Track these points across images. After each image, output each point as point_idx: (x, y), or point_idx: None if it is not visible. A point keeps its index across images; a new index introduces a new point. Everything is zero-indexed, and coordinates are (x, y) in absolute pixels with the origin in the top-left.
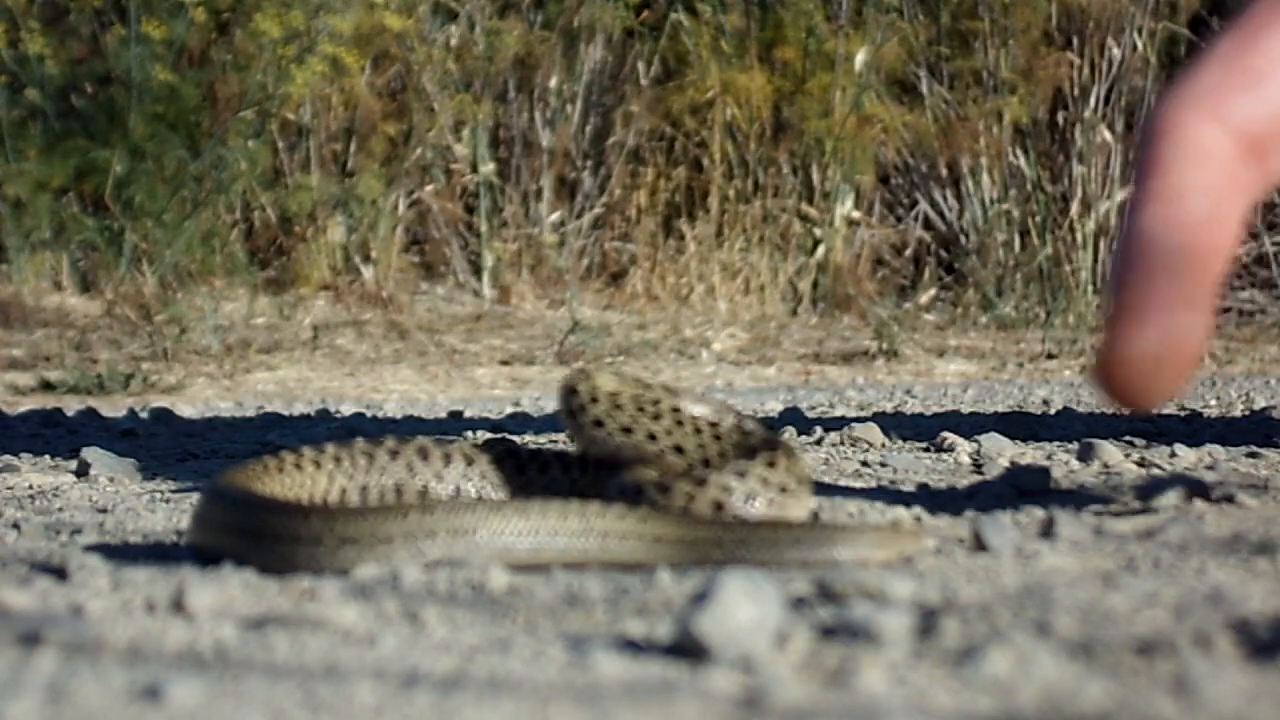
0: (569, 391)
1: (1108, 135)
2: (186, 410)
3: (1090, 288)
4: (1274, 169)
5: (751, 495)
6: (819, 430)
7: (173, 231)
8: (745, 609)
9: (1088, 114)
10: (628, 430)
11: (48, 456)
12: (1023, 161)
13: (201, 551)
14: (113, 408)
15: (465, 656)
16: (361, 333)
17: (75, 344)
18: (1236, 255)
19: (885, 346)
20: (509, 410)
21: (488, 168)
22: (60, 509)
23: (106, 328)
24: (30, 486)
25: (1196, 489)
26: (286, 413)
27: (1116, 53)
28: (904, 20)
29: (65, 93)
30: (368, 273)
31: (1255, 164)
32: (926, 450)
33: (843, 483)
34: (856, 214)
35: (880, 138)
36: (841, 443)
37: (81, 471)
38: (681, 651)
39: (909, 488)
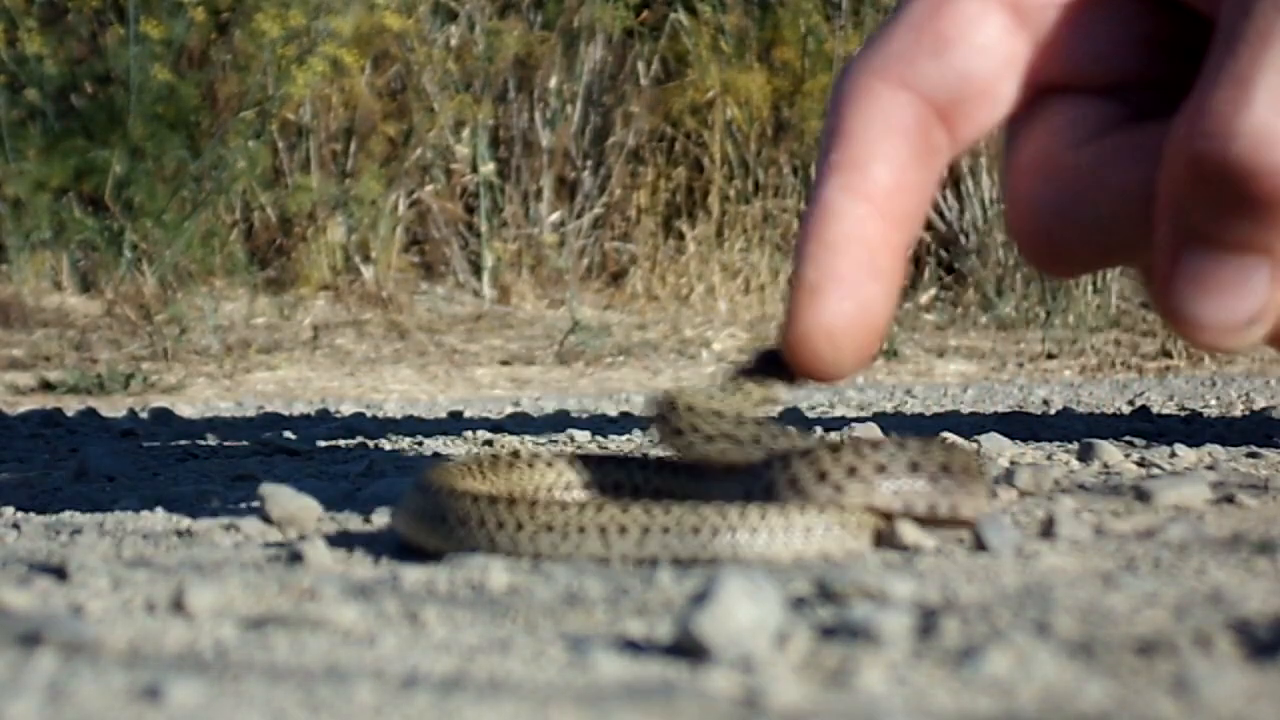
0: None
1: None
2: (186, 410)
3: (1090, 288)
4: (962, 135)
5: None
6: (819, 430)
7: (173, 231)
8: (745, 609)
9: None
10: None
11: (47, 456)
12: None
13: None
14: (113, 408)
15: (465, 656)
16: (361, 333)
17: (75, 344)
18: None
19: (885, 346)
20: (509, 410)
21: (488, 168)
22: (60, 509)
23: (106, 328)
24: (30, 486)
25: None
26: (286, 413)
27: None
28: None
29: (64, 92)
30: (368, 273)
31: (943, 131)
32: None
33: None
34: None
35: None
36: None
37: (81, 471)
38: (681, 651)
39: None
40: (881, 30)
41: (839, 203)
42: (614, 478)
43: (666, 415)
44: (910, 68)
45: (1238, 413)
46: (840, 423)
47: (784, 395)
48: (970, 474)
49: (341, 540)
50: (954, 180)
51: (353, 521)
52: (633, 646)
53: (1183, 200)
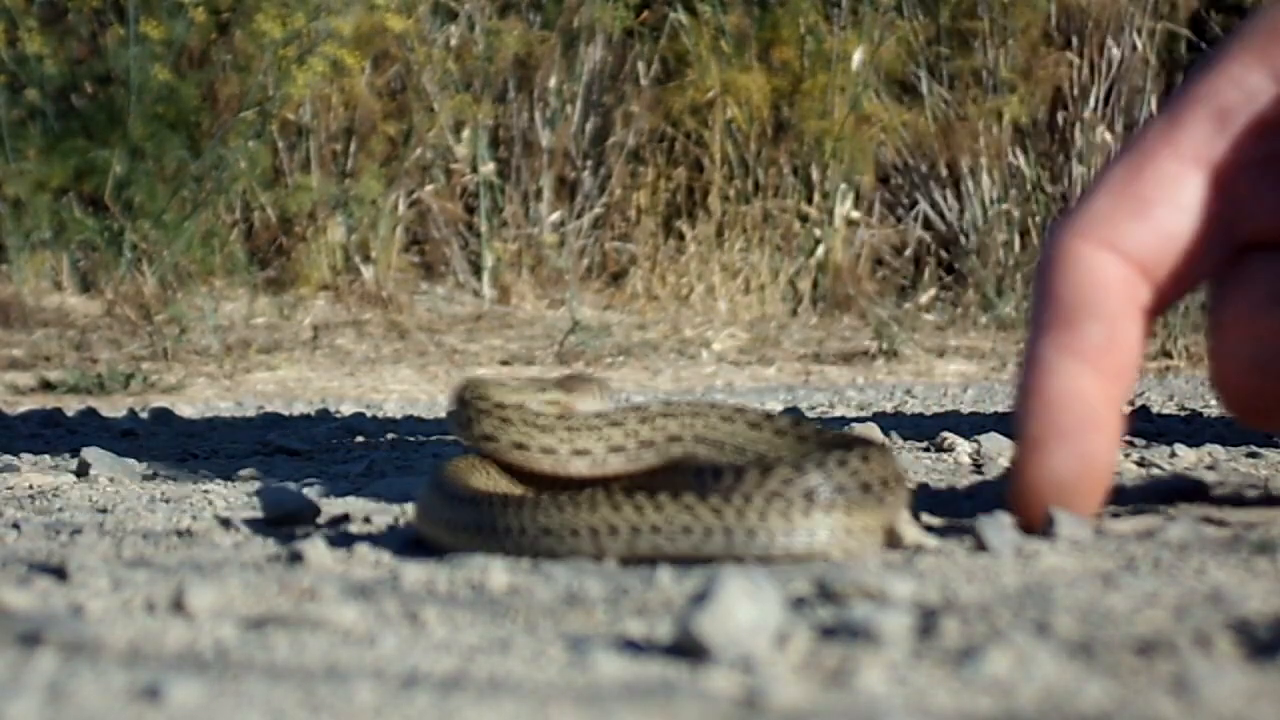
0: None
1: (1107, 135)
2: (186, 410)
3: None
4: (1166, 292)
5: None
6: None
7: (173, 231)
8: (745, 609)
9: (1087, 114)
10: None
11: (48, 456)
12: (1022, 161)
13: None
14: (113, 408)
15: (465, 656)
16: (361, 333)
17: (75, 344)
18: None
19: (885, 346)
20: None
21: (488, 168)
22: (60, 509)
23: (106, 328)
24: (30, 486)
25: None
26: (286, 413)
27: (1116, 52)
28: (903, 20)
29: (65, 93)
30: (368, 273)
31: (1147, 288)
32: (926, 450)
33: None
34: (856, 214)
35: (880, 137)
36: None
37: (81, 471)
38: (681, 651)
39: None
40: (1086, 194)
41: (1054, 361)
42: None
43: (462, 405)
44: (1114, 229)
45: None
46: (840, 422)
47: (581, 409)
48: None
49: (341, 540)
50: (954, 180)
51: (353, 522)
52: (633, 646)
53: None
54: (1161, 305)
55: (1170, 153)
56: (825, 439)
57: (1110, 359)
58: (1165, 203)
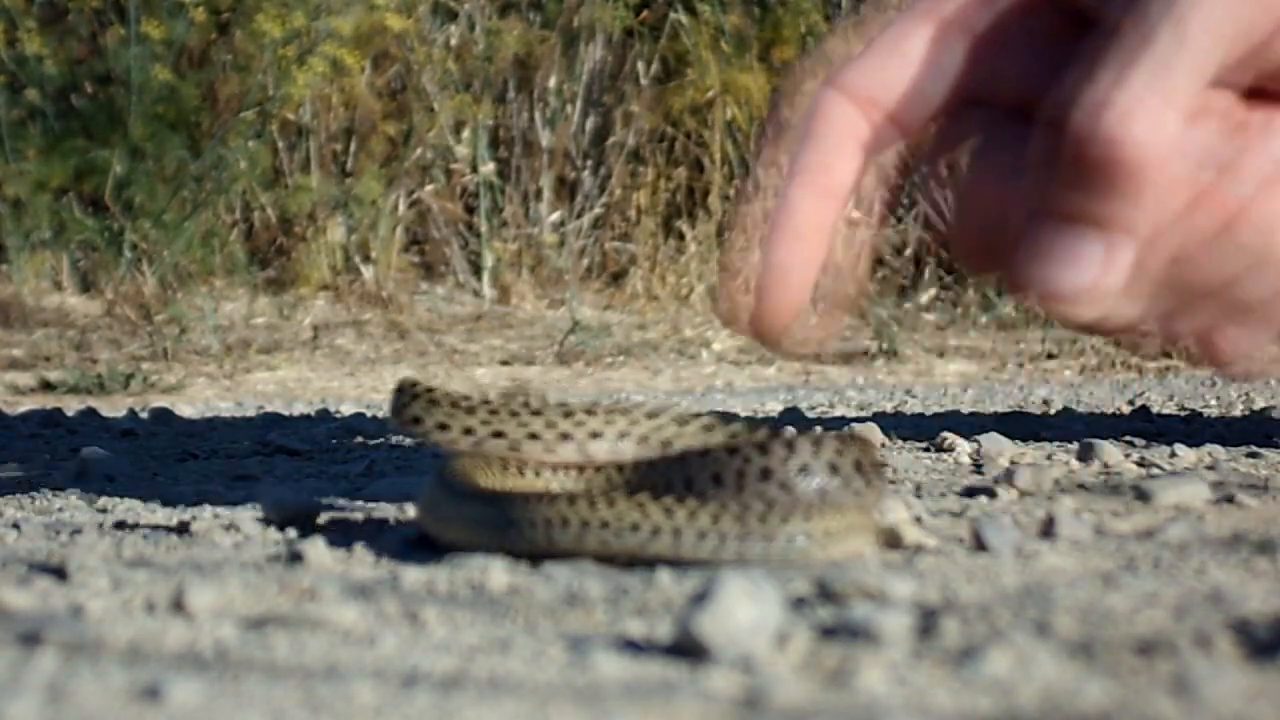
0: None
1: None
2: (186, 410)
3: None
4: (907, 132)
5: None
6: (819, 430)
7: (173, 231)
8: (745, 609)
9: None
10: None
11: (47, 456)
12: None
13: None
14: (113, 408)
15: (465, 656)
16: (361, 333)
17: (75, 344)
18: None
19: (885, 346)
20: None
21: (488, 168)
22: (60, 509)
23: (106, 328)
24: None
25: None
26: (286, 413)
27: None
28: None
29: (65, 93)
30: (368, 273)
31: (873, 128)
32: (926, 450)
33: None
34: (856, 214)
35: None
36: None
37: (81, 471)
38: (681, 651)
39: (909, 488)
40: (849, 55)
41: (802, 200)
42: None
43: (405, 402)
44: (859, 78)
45: (1238, 413)
46: (840, 422)
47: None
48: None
49: (341, 540)
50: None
51: (353, 522)
52: (633, 646)
53: (1041, 179)
54: (891, 143)
55: (922, 10)
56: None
57: (826, 182)
58: (903, 54)
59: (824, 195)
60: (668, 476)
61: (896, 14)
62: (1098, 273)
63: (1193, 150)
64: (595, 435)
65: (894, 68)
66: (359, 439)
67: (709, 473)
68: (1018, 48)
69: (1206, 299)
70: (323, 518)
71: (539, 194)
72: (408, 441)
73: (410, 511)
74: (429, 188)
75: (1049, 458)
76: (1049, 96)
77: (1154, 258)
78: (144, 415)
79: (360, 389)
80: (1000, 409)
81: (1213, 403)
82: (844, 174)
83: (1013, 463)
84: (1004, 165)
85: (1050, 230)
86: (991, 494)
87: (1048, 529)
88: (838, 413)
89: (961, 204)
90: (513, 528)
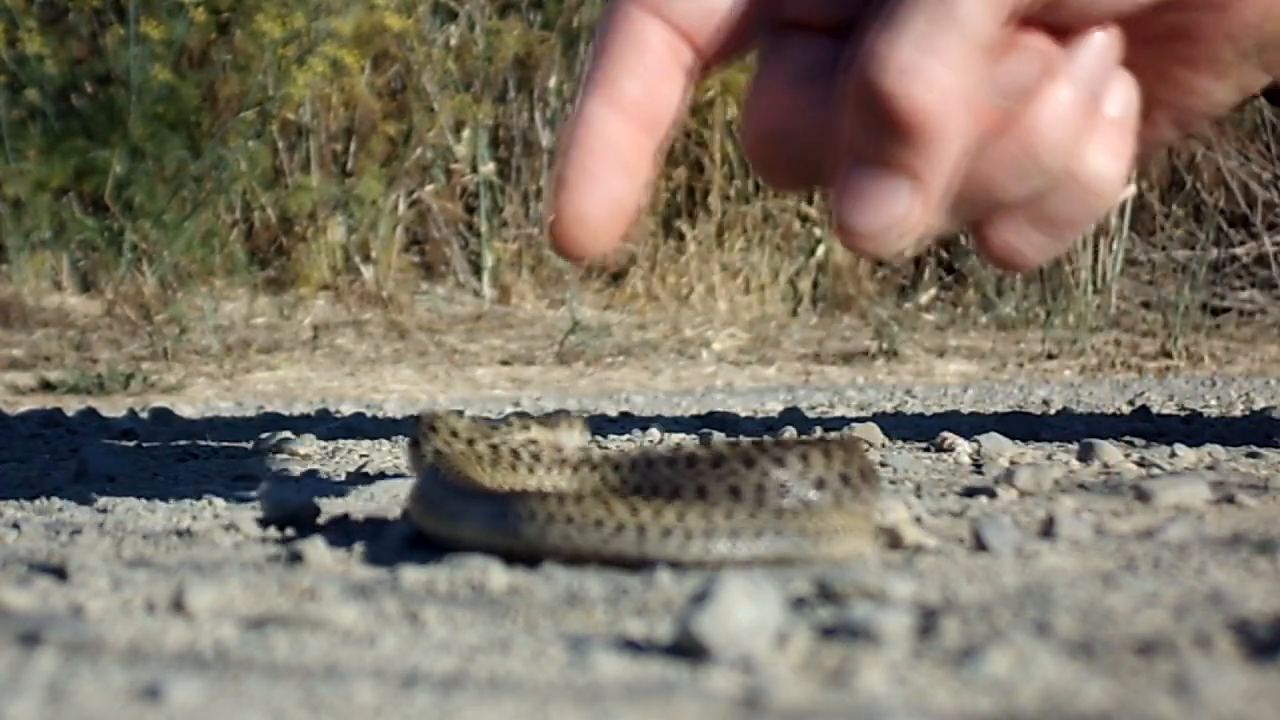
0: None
1: None
2: (186, 410)
3: (1090, 288)
4: (707, 56)
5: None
6: (819, 430)
7: (173, 231)
8: (745, 609)
9: None
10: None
11: (47, 456)
12: None
13: None
14: (113, 408)
15: (465, 656)
16: (361, 333)
17: (75, 344)
18: (1236, 255)
19: (885, 346)
20: (509, 410)
21: (488, 168)
22: (60, 509)
23: (106, 328)
24: (31, 486)
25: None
26: (286, 413)
27: None
28: None
29: (65, 93)
30: (368, 273)
31: (689, 51)
32: (926, 450)
33: None
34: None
35: None
36: None
37: (81, 471)
38: (681, 651)
39: (909, 488)
40: None
41: (596, 113)
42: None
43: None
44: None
45: (1238, 413)
46: (840, 422)
47: (566, 443)
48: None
49: (341, 540)
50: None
51: (353, 522)
52: (633, 646)
53: (849, 122)
54: (705, 68)
55: None
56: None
57: (644, 111)
58: None
59: (619, 110)
60: (654, 481)
61: None
62: (901, 212)
63: (991, 82)
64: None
65: None
66: (359, 439)
67: (695, 484)
68: None
69: (1011, 211)
70: (323, 518)
71: (539, 194)
72: (406, 441)
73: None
74: (429, 188)
75: (1049, 458)
76: (850, 44)
77: (955, 182)
78: (144, 415)
79: (360, 389)
80: (1000, 409)
81: (1213, 403)
82: (639, 90)
83: (1013, 463)
84: (788, 74)
85: (856, 172)
86: (991, 494)
87: (1048, 529)
88: (838, 413)
89: (749, 114)
90: (483, 521)
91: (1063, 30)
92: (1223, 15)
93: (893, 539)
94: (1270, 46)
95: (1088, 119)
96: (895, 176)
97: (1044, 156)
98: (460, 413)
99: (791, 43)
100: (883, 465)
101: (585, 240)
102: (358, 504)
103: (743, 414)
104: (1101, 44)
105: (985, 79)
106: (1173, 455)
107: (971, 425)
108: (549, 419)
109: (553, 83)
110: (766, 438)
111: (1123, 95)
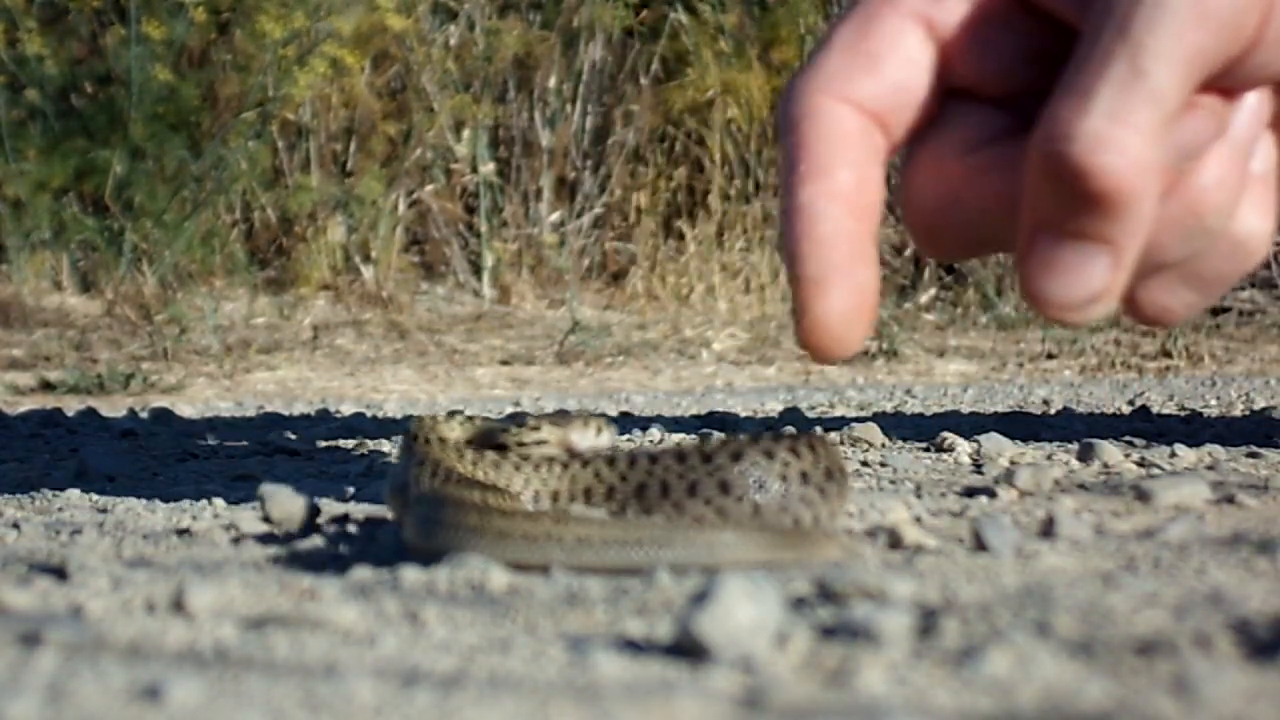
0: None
1: None
2: (186, 410)
3: None
4: (896, 136)
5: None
6: (819, 430)
7: (173, 231)
8: (745, 609)
9: None
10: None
11: (47, 456)
12: None
13: None
14: (113, 408)
15: (465, 656)
16: (361, 333)
17: (75, 344)
18: None
19: (885, 346)
20: (509, 410)
21: (488, 168)
22: (60, 509)
23: (106, 328)
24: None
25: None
26: (286, 413)
27: None
28: None
29: (65, 93)
30: (368, 273)
31: (881, 134)
32: (926, 450)
33: None
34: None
35: None
36: (841, 443)
37: (81, 471)
38: (681, 651)
39: (909, 488)
40: (817, 53)
41: (820, 206)
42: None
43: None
44: (848, 84)
45: (1238, 413)
46: (840, 422)
47: (578, 443)
48: None
49: (341, 540)
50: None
51: (353, 522)
52: (633, 646)
53: (1037, 194)
54: (895, 148)
55: (892, 11)
56: None
57: (862, 200)
58: (892, 57)
59: (840, 202)
60: (638, 482)
61: (859, 8)
62: (1102, 282)
63: (1168, 146)
64: None
65: (882, 65)
66: (359, 439)
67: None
68: (994, 46)
69: (1166, 271)
70: (323, 518)
71: (539, 194)
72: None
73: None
74: (429, 188)
75: (1049, 458)
76: (1032, 113)
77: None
78: (144, 415)
79: (360, 389)
80: (1000, 409)
81: (1213, 403)
82: (853, 179)
83: (1013, 463)
84: (957, 143)
85: (1051, 244)
86: (991, 494)
87: (1048, 529)
88: (838, 413)
89: (913, 184)
90: (427, 530)
91: (1225, 90)
92: None
93: (893, 539)
94: None
95: (1244, 178)
96: (1091, 247)
97: (1208, 217)
98: (460, 414)
99: (958, 113)
100: (883, 465)
101: (842, 337)
102: (358, 504)
103: (743, 414)
104: (1255, 103)
105: (1169, 141)
106: (1173, 455)
107: (971, 425)
108: (562, 418)
109: (552, 82)
110: (741, 435)
111: (1267, 152)
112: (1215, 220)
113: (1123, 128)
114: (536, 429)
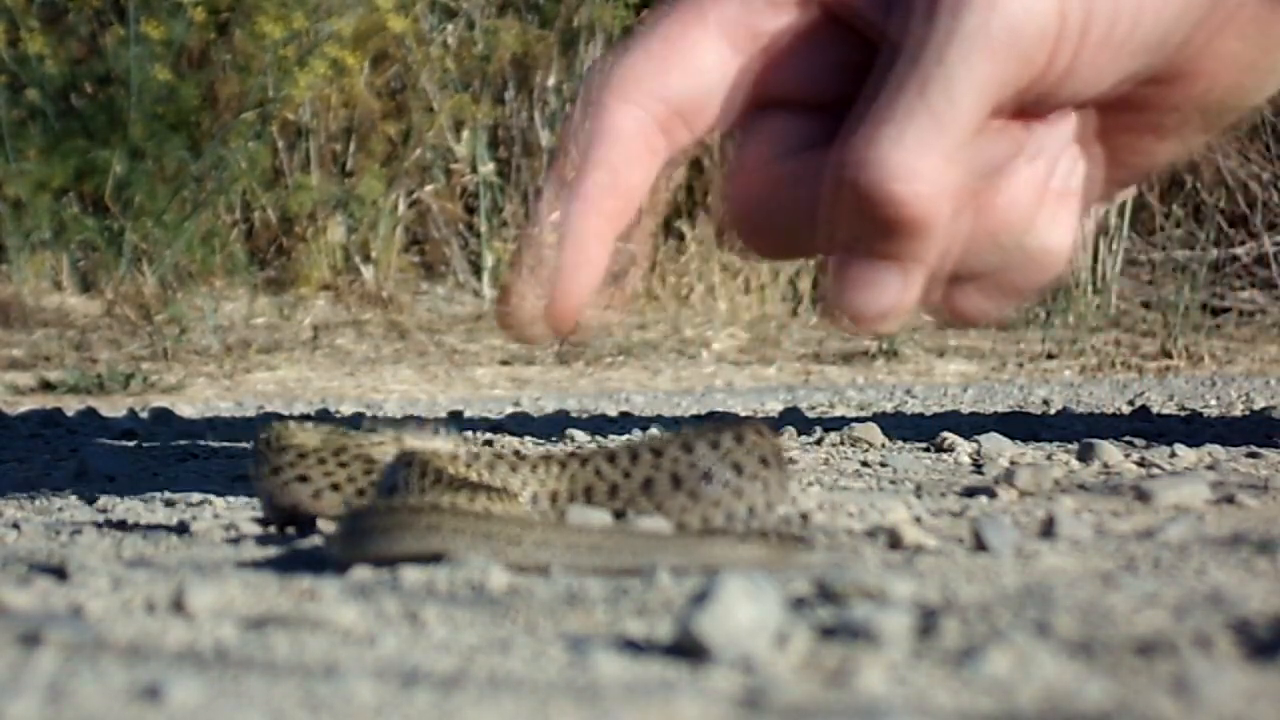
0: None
1: None
2: (186, 410)
3: (1090, 288)
4: (679, 140)
5: None
6: (819, 430)
7: (173, 231)
8: (745, 609)
9: None
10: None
11: (47, 456)
12: None
13: None
14: (113, 408)
15: (465, 656)
16: (361, 333)
17: (75, 344)
18: (1236, 255)
19: (885, 346)
20: (509, 410)
21: (488, 168)
22: (60, 509)
23: (106, 328)
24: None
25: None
26: (286, 413)
27: None
28: None
29: (65, 93)
30: (368, 273)
31: (664, 139)
32: (926, 450)
33: (843, 483)
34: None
35: None
36: (841, 443)
37: (81, 471)
38: (681, 651)
39: (909, 488)
40: (621, 51)
41: (569, 201)
42: None
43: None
44: (639, 86)
45: (1238, 413)
46: (840, 422)
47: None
48: None
49: None
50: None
51: None
52: (633, 646)
53: (837, 214)
54: (675, 150)
55: (698, 20)
56: None
57: (614, 202)
58: (689, 65)
59: (588, 197)
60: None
61: (666, 14)
62: (898, 296)
63: (964, 169)
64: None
65: (676, 71)
66: None
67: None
68: (806, 57)
69: (964, 281)
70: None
71: (539, 193)
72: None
73: None
74: (429, 188)
75: (1049, 458)
76: (836, 141)
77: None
78: (144, 415)
79: (360, 389)
80: (1000, 409)
81: (1213, 403)
82: (607, 177)
83: (1013, 463)
84: (772, 149)
85: (851, 260)
86: (991, 494)
87: (1048, 529)
88: (838, 413)
89: (731, 186)
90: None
91: (1024, 114)
92: (1170, 88)
93: (893, 539)
94: (1210, 112)
95: (1041, 196)
96: (888, 264)
97: (1003, 234)
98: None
99: (769, 118)
100: (883, 465)
101: (533, 331)
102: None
103: (743, 414)
104: (1059, 123)
105: (963, 165)
106: (1173, 455)
107: (971, 425)
108: (408, 426)
109: (551, 82)
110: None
111: (1070, 168)
112: (1010, 236)
113: (917, 157)
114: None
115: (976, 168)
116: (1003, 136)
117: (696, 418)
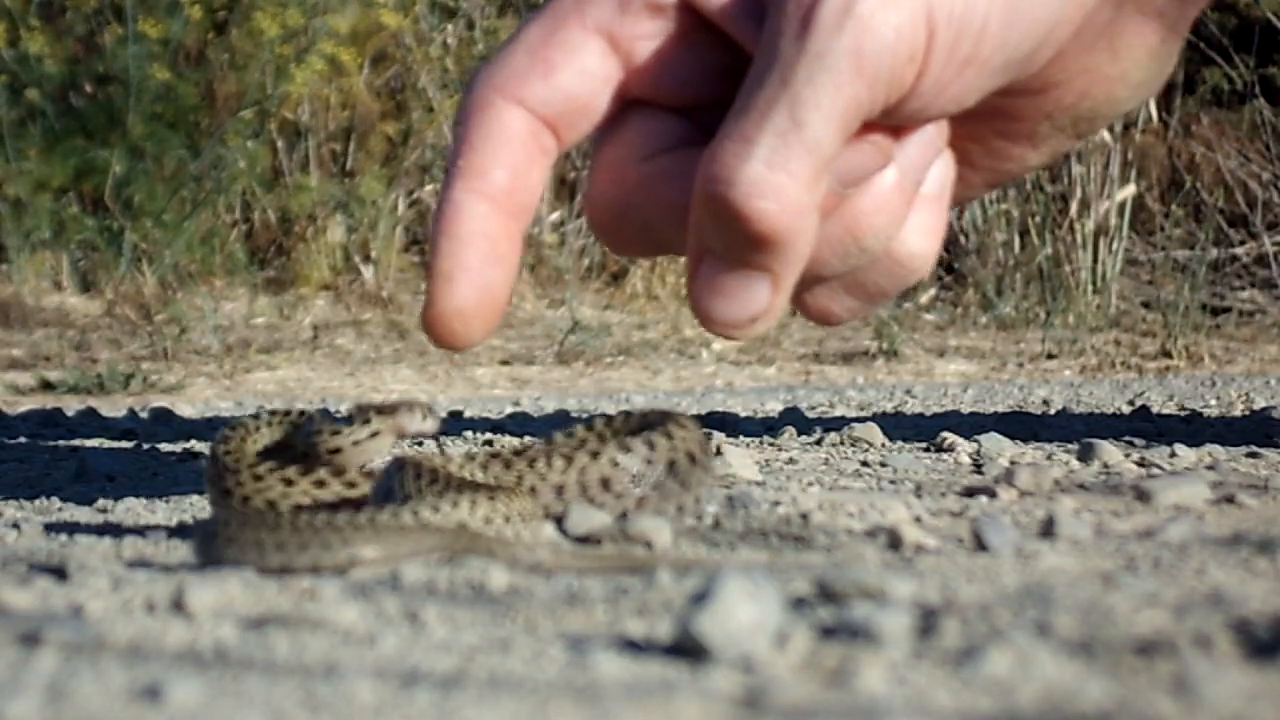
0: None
1: (1106, 135)
2: (186, 410)
3: (1090, 288)
4: (566, 140)
5: None
6: (819, 430)
7: (173, 231)
8: (745, 609)
9: None
10: None
11: (47, 456)
12: None
13: None
14: (113, 408)
15: (465, 656)
16: (361, 333)
17: (75, 344)
18: (1236, 255)
19: (885, 346)
20: (509, 410)
21: None
22: (60, 509)
23: (106, 328)
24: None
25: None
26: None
27: None
28: None
29: (64, 92)
30: (368, 273)
31: (550, 137)
32: (926, 450)
33: (843, 483)
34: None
35: None
36: (841, 443)
37: (81, 471)
38: (681, 651)
39: (909, 488)
40: (502, 51)
41: (465, 202)
42: None
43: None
44: (523, 87)
45: (1238, 413)
46: (840, 422)
47: (408, 427)
48: None
49: None
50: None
51: None
52: (633, 646)
53: (701, 226)
54: (563, 149)
55: (577, 21)
56: None
57: (513, 201)
58: (570, 66)
59: (489, 200)
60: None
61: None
62: (763, 305)
63: (828, 179)
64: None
65: (560, 71)
66: None
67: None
68: (677, 61)
69: (828, 282)
70: None
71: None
72: (406, 443)
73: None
74: (429, 188)
75: (1049, 458)
76: (706, 151)
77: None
78: (144, 415)
79: (360, 389)
80: (1000, 409)
81: (1213, 403)
82: (507, 179)
83: (1013, 463)
84: (635, 149)
85: (715, 269)
86: (991, 494)
87: (1048, 529)
88: (838, 412)
89: (594, 184)
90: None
91: (892, 127)
92: (1042, 99)
93: (893, 539)
94: (1083, 120)
95: (907, 203)
96: (752, 274)
97: (866, 239)
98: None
99: (637, 118)
100: (883, 465)
101: (462, 332)
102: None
103: (743, 414)
104: (929, 133)
105: (828, 177)
106: (1173, 455)
107: (971, 425)
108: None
109: None
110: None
111: (940, 173)
112: (873, 242)
113: (780, 174)
114: (368, 422)
115: (842, 177)
116: (870, 146)
117: (697, 418)
